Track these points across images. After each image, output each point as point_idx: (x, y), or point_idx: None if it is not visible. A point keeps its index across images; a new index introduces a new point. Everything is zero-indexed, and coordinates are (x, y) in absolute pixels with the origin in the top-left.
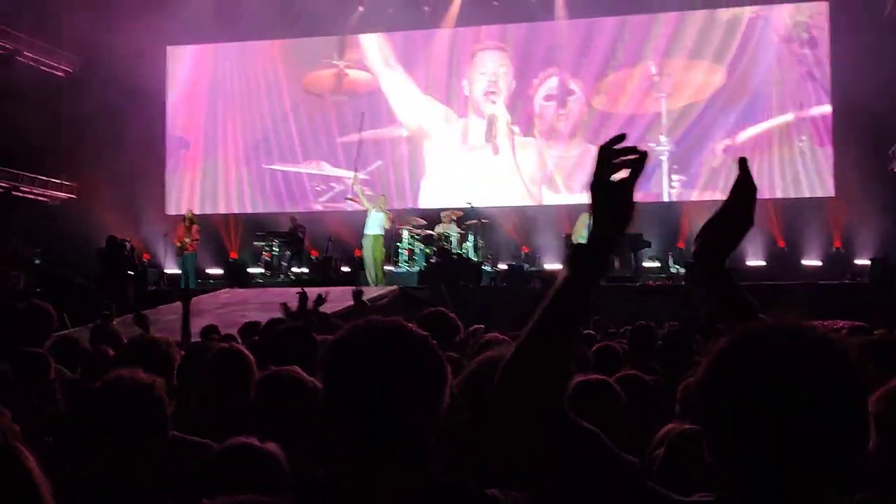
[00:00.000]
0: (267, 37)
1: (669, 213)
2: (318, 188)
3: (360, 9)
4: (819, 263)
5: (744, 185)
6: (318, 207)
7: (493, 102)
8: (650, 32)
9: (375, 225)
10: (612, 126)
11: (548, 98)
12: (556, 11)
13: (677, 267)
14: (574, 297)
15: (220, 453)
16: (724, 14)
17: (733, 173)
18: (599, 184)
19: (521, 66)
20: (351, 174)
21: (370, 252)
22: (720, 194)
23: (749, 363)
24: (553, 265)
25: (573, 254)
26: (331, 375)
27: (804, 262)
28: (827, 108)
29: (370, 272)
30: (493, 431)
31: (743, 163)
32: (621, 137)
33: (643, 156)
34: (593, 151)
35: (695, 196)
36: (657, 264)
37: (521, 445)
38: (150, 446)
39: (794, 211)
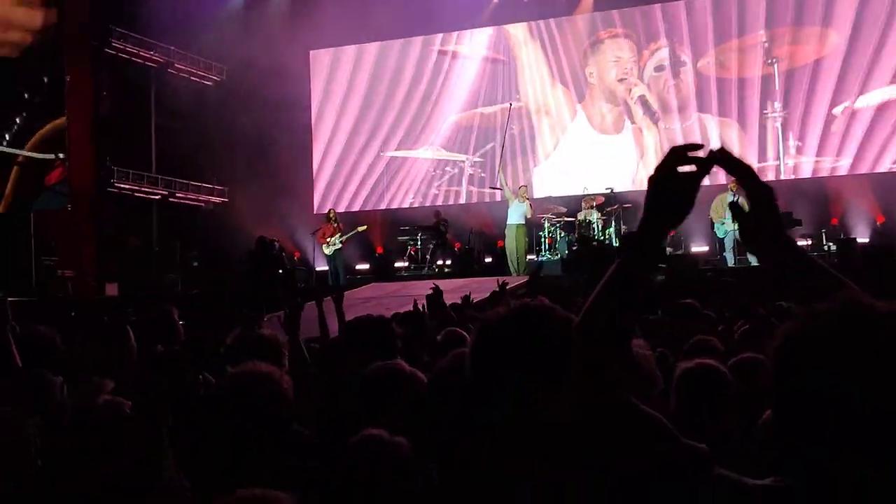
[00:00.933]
0: (401, 35)
1: (818, 189)
2: (432, 172)
3: (495, 0)
4: None
5: (737, 169)
6: (434, 192)
7: (629, 89)
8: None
9: (518, 215)
10: (725, 93)
11: (658, 69)
12: None
13: (830, 244)
14: (621, 287)
15: (355, 445)
16: None
17: (851, 138)
18: (662, 175)
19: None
20: (464, 157)
21: (513, 242)
22: (845, 159)
23: (826, 347)
24: (700, 247)
25: (622, 243)
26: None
27: None
28: None
29: (513, 262)
30: (560, 412)
31: (719, 154)
32: (698, 146)
33: (712, 159)
34: (706, 121)
35: (809, 163)
36: (809, 243)
37: (583, 426)
38: (271, 438)
39: None
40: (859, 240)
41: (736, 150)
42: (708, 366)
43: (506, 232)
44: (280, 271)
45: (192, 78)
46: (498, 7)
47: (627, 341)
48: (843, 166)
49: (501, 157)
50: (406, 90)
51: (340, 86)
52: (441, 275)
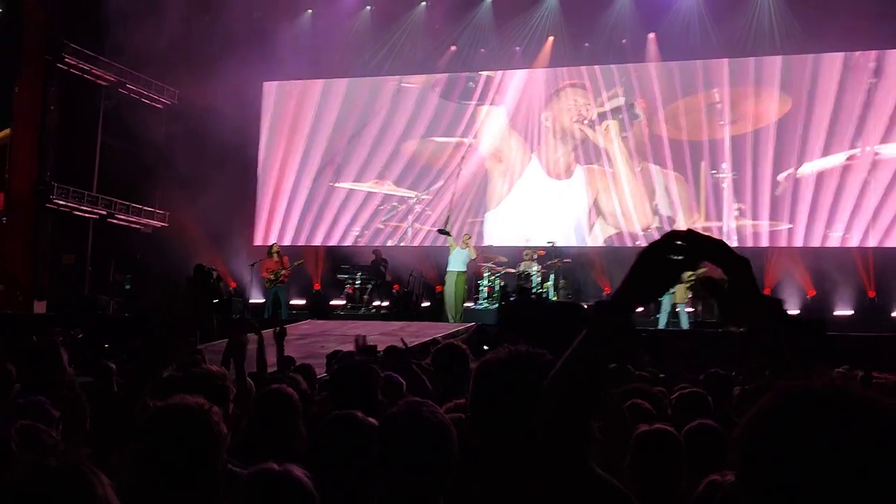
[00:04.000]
0: (359, 74)
1: (754, 257)
2: (379, 207)
3: (453, 48)
4: None
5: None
6: (380, 226)
7: (583, 131)
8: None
9: (459, 261)
10: (674, 152)
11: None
12: (648, 55)
13: None
14: (592, 351)
15: (251, 478)
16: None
17: (796, 202)
18: (654, 250)
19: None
20: (413, 194)
21: (452, 288)
22: (783, 223)
23: (798, 426)
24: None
25: (594, 309)
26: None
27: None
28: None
29: (450, 308)
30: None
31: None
32: (693, 238)
33: (698, 250)
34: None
35: (753, 224)
36: None
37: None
38: (203, 473)
39: (886, 259)
40: (790, 311)
41: (680, 205)
42: (663, 430)
43: (446, 278)
44: (216, 301)
45: (143, 100)
46: (455, 56)
47: (593, 406)
48: (782, 235)
49: (452, 201)
50: (357, 123)
51: (290, 119)
52: (378, 316)
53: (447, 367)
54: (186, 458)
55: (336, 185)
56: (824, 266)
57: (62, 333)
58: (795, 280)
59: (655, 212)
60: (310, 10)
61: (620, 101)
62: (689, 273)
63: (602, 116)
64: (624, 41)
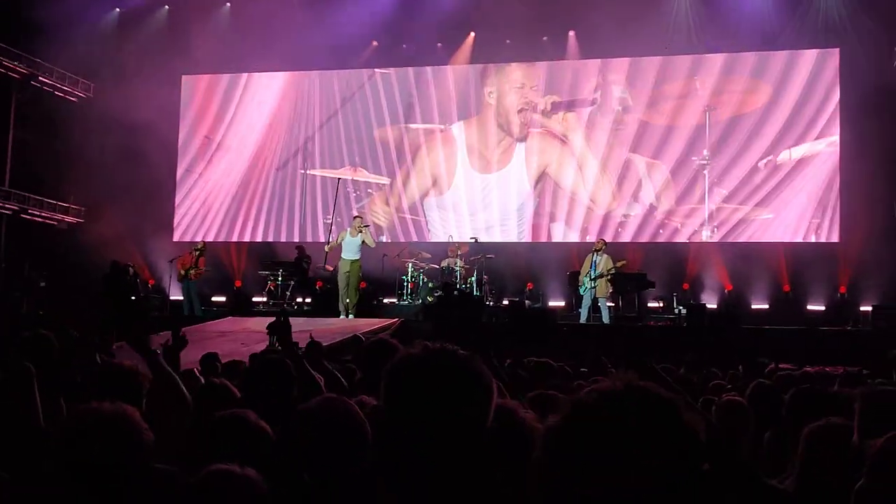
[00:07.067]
0: (281, 69)
1: (673, 255)
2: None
3: (374, 43)
4: (822, 308)
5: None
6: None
7: (527, 118)
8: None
9: (352, 249)
10: (657, 137)
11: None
12: (568, 52)
13: (680, 308)
14: None
15: (203, 480)
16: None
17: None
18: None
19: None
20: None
21: (344, 279)
22: (760, 209)
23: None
24: (557, 302)
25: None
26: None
27: (809, 307)
28: (834, 149)
29: (342, 300)
30: None
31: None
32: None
33: None
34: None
35: (733, 209)
36: (660, 304)
37: None
38: (130, 476)
39: (799, 255)
40: (708, 306)
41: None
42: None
43: (338, 265)
44: (133, 297)
45: (57, 93)
46: (377, 50)
47: None
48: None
49: (336, 199)
50: (284, 117)
51: (209, 112)
52: (300, 313)
53: (377, 365)
54: (109, 463)
55: (309, 172)
56: (741, 263)
57: None
58: (714, 275)
59: (636, 199)
60: (228, 4)
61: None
62: (609, 267)
63: (558, 106)
64: (545, 38)
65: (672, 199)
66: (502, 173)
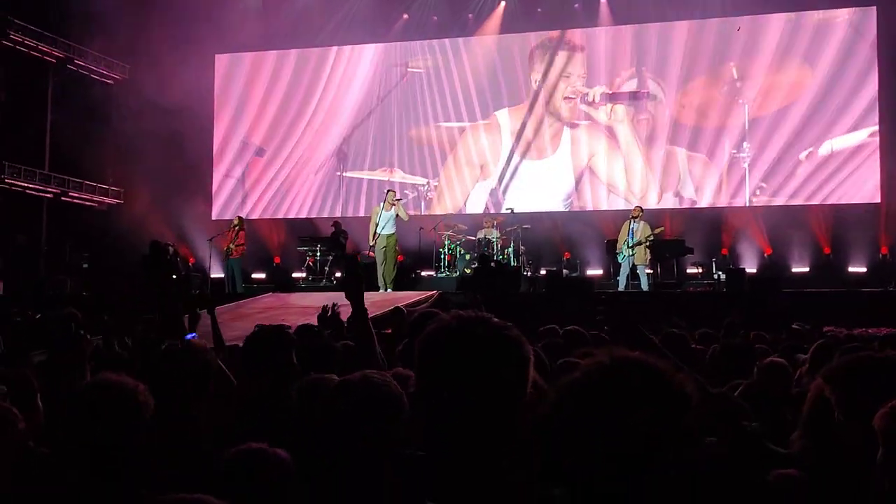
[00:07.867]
0: (313, 45)
1: (711, 221)
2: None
3: (405, 16)
4: (864, 270)
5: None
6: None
7: (570, 101)
8: (725, 37)
9: (387, 223)
10: (691, 134)
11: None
12: (600, 19)
13: (720, 273)
14: None
15: (235, 457)
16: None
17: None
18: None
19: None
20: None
21: (381, 254)
22: (801, 200)
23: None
24: (595, 270)
25: None
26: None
27: (850, 269)
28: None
29: (380, 276)
30: None
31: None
32: None
33: None
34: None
35: (778, 202)
36: (699, 271)
37: None
38: (129, 448)
39: (841, 217)
40: (748, 270)
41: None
42: None
43: (376, 241)
44: (174, 276)
45: (93, 76)
46: (408, 24)
47: None
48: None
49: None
50: (304, 96)
51: (244, 91)
52: (340, 287)
53: None
54: (106, 434)
55: (345, 174)
56: (781, 226)
57: (20, 314)
58: (753, 240)
59: (677, 194)
60: None
61: (633, 83)
62: (647, 234)
63: (607, 98)
64: (577, 6)
65: (711, 194)
66: (548, 161)
